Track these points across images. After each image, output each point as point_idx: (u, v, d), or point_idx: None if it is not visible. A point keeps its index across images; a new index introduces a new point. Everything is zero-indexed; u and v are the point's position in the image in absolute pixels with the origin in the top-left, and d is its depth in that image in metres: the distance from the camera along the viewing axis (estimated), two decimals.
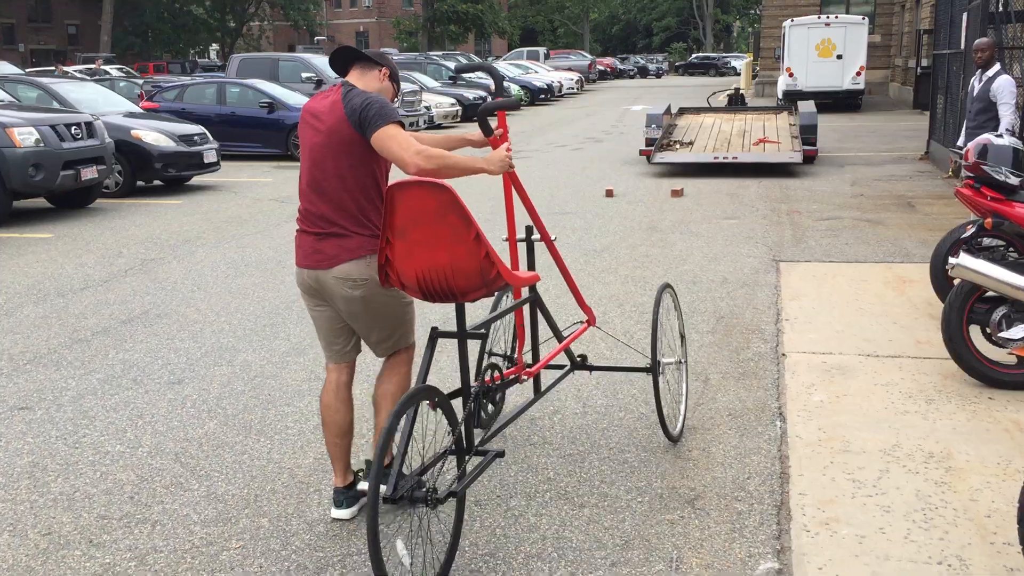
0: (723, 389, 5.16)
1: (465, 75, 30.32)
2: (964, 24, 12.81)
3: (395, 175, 3.27)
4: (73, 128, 11.35)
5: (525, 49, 51.59)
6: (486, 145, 3.86)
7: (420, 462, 3.55)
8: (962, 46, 12.83)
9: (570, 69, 43.89)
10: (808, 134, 14.94)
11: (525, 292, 3.99)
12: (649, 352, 5.41)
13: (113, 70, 36.31)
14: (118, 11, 56.23)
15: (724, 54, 71.88)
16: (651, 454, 4.34)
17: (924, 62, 25.15)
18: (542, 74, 37.99)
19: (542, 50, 49.05)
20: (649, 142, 15.35)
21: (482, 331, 3.58)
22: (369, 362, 5.34)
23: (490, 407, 4.15)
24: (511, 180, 3.83)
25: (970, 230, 5.17)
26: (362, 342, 3.75)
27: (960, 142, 8.18)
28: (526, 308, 5.38)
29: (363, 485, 3.78)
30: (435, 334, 3.35)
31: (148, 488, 4.09)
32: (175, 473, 4.23)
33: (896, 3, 32.50)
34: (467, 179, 12.96)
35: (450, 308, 6.78)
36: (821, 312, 6.53)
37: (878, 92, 32.81)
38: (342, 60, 3.58)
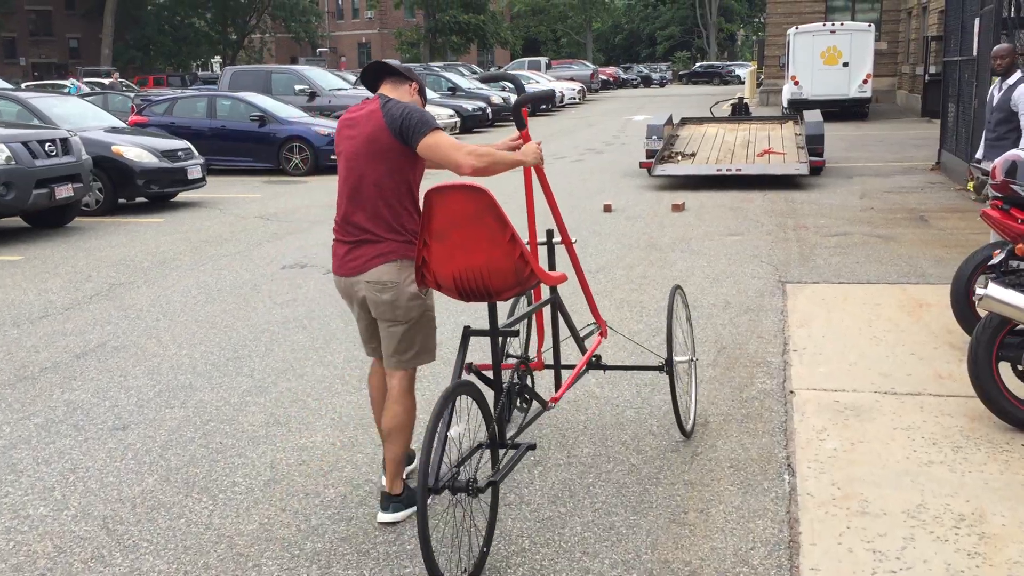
0: (724, 434, 4.63)
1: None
2: (976, 30, 12.30)
3: (427, 182, 3.28)
4: (47, 144, 10.88)
5: (527, 59, 51.20)
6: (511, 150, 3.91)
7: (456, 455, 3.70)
8: (974, 52, 12.31)
9: (572, 79, 43.45)
10: (815, 144, 14.43)
11: (546, 292, 4.32)
12: (659, 353, 5.74)
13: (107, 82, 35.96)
14: (119, 25, 56.09)
15: (728, 63, 71.39)
16: (641, 517, 3.82)
17: (932, 69, 24.67)
18: (544, 84, 37.53)
19: (544, 60, 48.67)
20: (650, 154, 14.84)
21: (515, 329, 3.67)
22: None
23: (520, 403, 4.08)
24: (539, 176, 4.00)
25: (998, 255, 4.64)
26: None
27: (979, 154, 7.66)
28: (547, 309, 5.43)
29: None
30: (468, 332, 3.53)
31: (64, 564, 3.57)
32: (98, 544, 3.72)
33: (903, 10, 31.99)
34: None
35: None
36: (832, 341, 6.01)
37: (885, 100, 32.29)
38: (373, 74, 3.71)
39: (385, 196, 3.52)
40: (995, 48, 7.28)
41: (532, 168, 3.87)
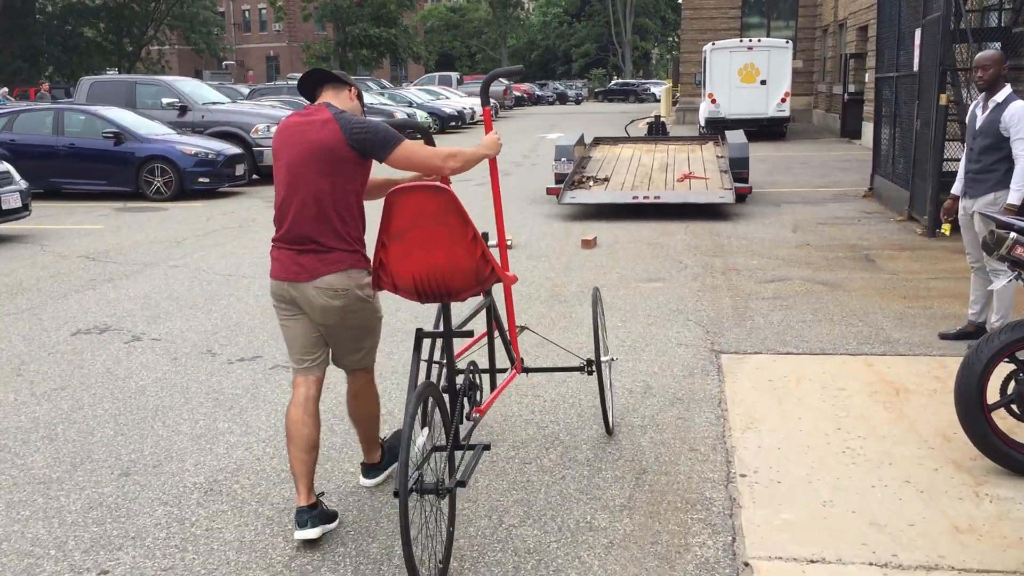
0: None
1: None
2: (917, 42, 10.97)
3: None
4: None
5: (437, 74, 49.43)
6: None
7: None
8: (915, 67, 10.98)
9: None
10: (739, 168, 12.96)
11: (481, 297, 4.14)
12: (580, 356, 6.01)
13: None
14: (5, 34, 52.52)
15: (643, 80, 70.83)
16: None
17: (852, 88, 23.77)
18: (453, 100, 35.81)
19: (455, 75, 46.92)
20: (559, 178, 13.20)
21: (468, 330, 3.63)
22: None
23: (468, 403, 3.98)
24: (491, 168, 4.02)
25: None
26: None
27: (956, 189, 6.14)
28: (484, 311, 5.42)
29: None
30: (421, 334, 3.54)
31: None
32: None
33: (818, 28, 31.23)
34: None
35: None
36: (792, 458, 4.33)
37: (802, 119, 31.45)
38: (312, 82, 3.71)
39: (335, 205, 3.51)
40: (978, 56, 5.76)
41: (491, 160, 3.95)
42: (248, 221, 12.36)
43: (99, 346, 6.50)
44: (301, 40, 73.07)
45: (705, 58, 25.18)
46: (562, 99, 65.00)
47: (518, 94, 52.74)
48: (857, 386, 5.31)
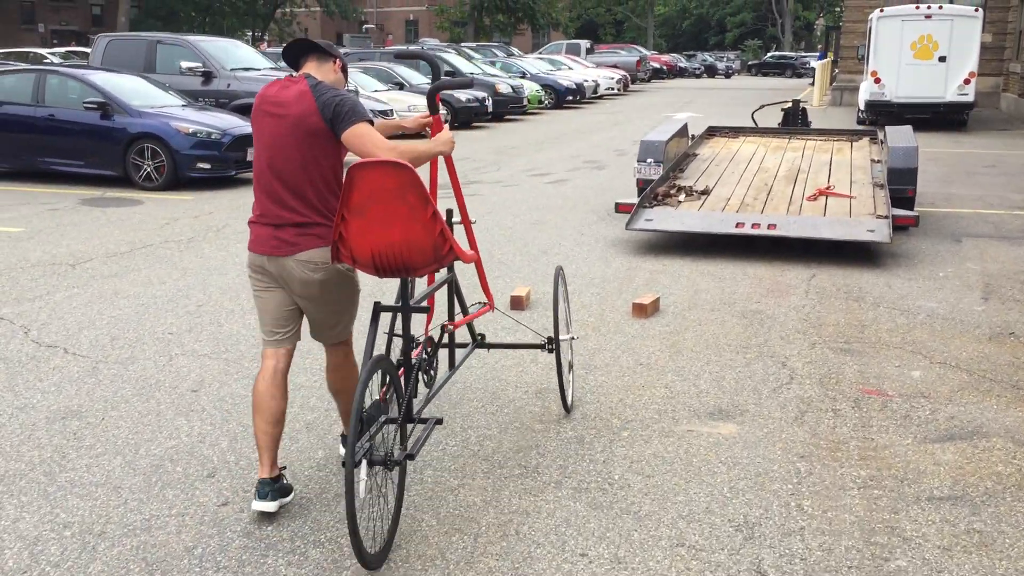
0: None
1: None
2: None
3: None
4: None
5: (565, 42, 45.47)
6: (420, 130, 4.05)
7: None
8: None
9: (615, 66, 37.77)
10: (902, 183, 8.97)
11: (444, 273, 4.15)
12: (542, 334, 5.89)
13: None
14: None
15: (803, 54, 64.81)
16: None
17: None
18: (575, 72, 32.04)
19: (584, 44, 42.79)
20: (642, 187, 9.53)
21: (424, 305, 3.69)
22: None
23: (424, 378, 3.99)
24: (447, 163, 4.11)
25: None
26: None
27: None
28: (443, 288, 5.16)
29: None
30: (378, 308, 3.53)
31: None
32: None
33: None
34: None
35: None
36: None
37: (986, 105, 26.20)
38: (296, 51, 3.66)
39: (312, 179, 3.46)
40: None
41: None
42: (219, 228, 9.23)
43: None
44: (438, 4, 70.55)
45: (871, 27, 20.58)
46: (710, 72, 60.01)
47: (656, 65, 48.25)
48: None
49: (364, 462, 3.10)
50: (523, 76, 27.94)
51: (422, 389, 4.50)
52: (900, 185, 8.95)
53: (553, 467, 4.06)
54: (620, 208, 9.03)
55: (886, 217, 8.16)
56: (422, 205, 3.22)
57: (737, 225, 8.19)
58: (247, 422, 4.48)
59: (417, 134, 4.30)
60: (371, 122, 3.46)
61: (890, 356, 5.52)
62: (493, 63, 28.80)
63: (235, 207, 10.50)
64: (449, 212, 4.11)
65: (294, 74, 3.60)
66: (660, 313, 6.43)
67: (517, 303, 6.51)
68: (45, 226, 9.32)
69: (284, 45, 3.50)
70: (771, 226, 8.10)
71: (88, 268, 7.56)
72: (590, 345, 5.71)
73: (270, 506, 3.55)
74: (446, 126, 3.86)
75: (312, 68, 3.61)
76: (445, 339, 4.26)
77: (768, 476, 3.96)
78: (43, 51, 34.32)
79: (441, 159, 4.31)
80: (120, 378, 5.05)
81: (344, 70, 3.70)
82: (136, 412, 4.60)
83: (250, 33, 62.69)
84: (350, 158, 3.47)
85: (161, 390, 4.89)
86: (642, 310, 6.33)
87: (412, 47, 36.15)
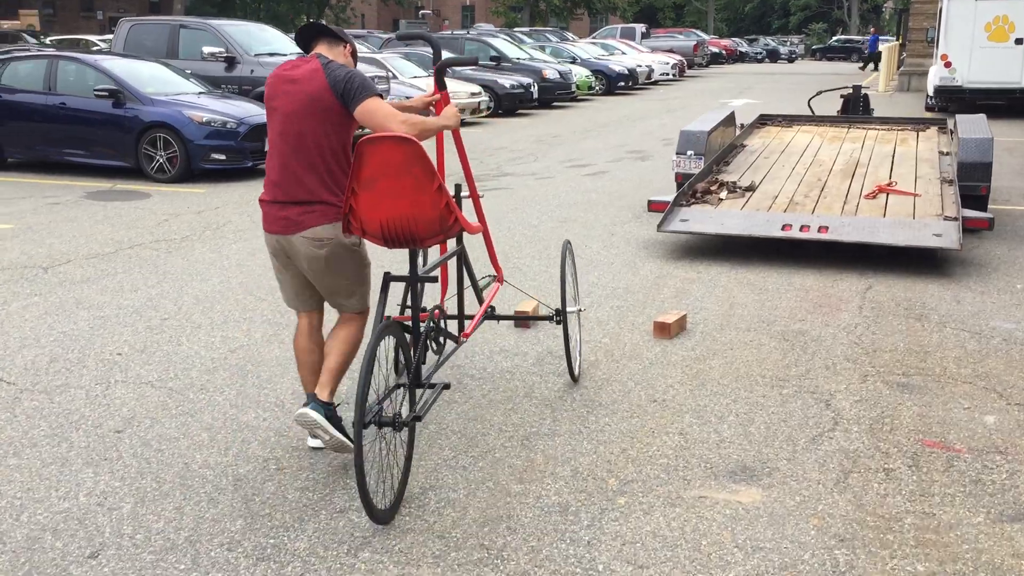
0: None
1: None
2: None
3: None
4: None
5: (619, 26, 44.20)
6: (424, 108, 4.12)
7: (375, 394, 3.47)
8: None
9: (671, 51, 36.50)
10: (974, 179, 7.94)
11: (453, 244, 4.25)
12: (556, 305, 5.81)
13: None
14: None
15: (870, 37, 62.50)
16: None
17: None
18: (629, 57, 30.93)
19: (639, 28, 41.48)
20: (680, 181, 8.62)
21: (434, 275, 3.89)
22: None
23: (434, 345, 4.06)
24: (455, 136, 4.30)
25: None
26: None
27: None
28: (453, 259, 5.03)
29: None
30: (388, 278, 3.65)
31: None
32: None
33: None
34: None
35: None
36: None
37: None
38: (308, 35, 3.77)
39: (323, 154, 3.54)
40: None
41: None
42: (219, 226, 8.57)
43: None
44: None
45: (941, 8, 19.22)
46: (773, 56, 58.15)
47: (715, 50, 46.75)
48: None
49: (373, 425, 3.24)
50: (573, 61, 26.96)
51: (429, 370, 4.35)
52: (972, 182, 7.91)
53: (523, 549, 3.24)
54: (652, 207, 8.13)
55: (955, 219, 7.14)
56: (428, 178, 3.35)
57: (784, 227, 7.25)
58: (165, 476, 3.74)
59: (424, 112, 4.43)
60: (381, 96, 3.55)
61: (957, 394, 4.59)
62: (543, 48, 27.86)
63: (245, 201, 9.83)
64: (458, 187, 4.17)
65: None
66: (686, 333, 5.55)
67: (663, 331, 5.46)
68: (37, 222, 8.73)
69: (297, 30, 3.74)
70: (822, 228, 7.14)
71: (61, 272, 6.91)
72: (599, 375, 4.86)
73: (312, 415, 3.53)
74: (453, 102, 4.04)
75: (323, 50, 3.71)
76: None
77: (796, 570, 3.09)
78: (95, 38, 34.32)
79: (449, 134, 4.37)
80: (39, 413, 4.34)
81: (354, 55, 3.82)
82: (40, 460, 3.88)
83: (305, 19, 62.47)
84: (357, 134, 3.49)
85: (80, 429, 4.16)
86: (665, 330, 5.45)
87: (468, 30, 35.45)
